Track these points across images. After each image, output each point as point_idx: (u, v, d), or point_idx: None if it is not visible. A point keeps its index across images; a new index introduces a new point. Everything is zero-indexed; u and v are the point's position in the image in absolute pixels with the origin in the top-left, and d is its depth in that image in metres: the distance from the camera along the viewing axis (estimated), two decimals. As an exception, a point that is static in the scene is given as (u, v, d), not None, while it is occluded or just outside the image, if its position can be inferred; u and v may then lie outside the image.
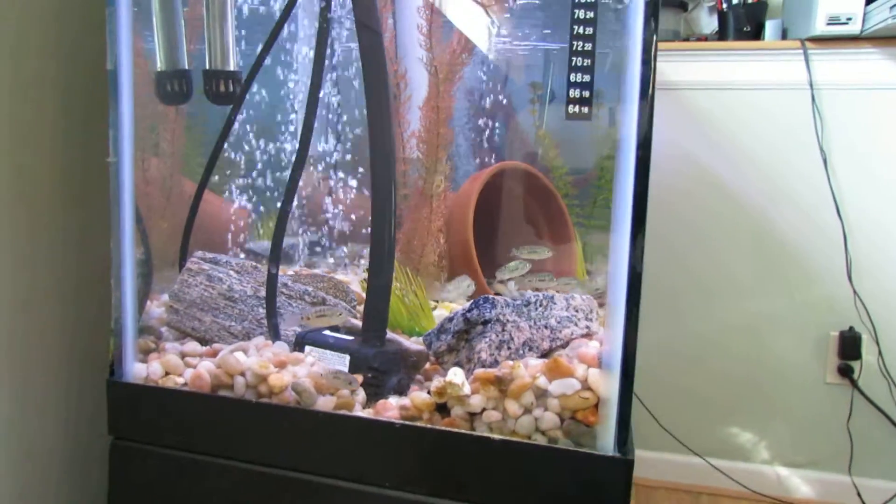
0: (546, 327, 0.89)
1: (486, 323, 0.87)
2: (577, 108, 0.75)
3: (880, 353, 2.19)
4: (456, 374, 0.82)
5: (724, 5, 2.18)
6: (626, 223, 0.76)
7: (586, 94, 0.74)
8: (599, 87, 0.75)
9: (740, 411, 2.38)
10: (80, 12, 1.10)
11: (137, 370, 0.96)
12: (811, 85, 2.29)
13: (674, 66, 2.31)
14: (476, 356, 0.85)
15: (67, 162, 1.10)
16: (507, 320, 0.87)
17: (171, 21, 1.04)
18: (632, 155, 0.74)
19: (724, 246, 2.37)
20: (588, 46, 0.72)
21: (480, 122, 1.66)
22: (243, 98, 1.04)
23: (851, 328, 2.22)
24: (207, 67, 1.04)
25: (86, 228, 1.14)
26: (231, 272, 1.01)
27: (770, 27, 2.19)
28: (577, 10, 0.71)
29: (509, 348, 0.86)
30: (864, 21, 1.97)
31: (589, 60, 0.72)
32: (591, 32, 0.72)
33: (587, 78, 0.72)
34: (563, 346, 0.89)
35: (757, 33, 2.22)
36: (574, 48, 0.72)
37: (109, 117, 0.95)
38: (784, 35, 2.24)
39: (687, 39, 2.30)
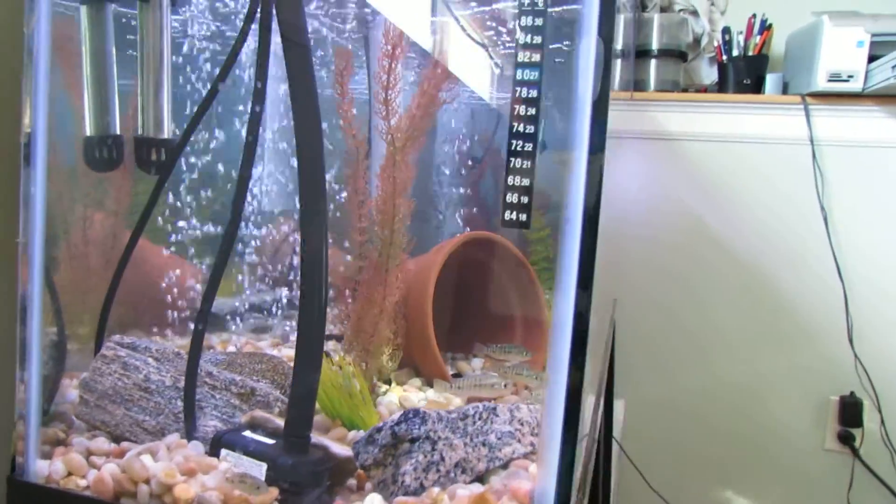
0: (484, 444, 0.79)
1: (413, 441, 0.77)
2: (514, 215, 0.66)
3: (882, 420, 2.08)
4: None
5: (725, 57, 2.10)
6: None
7: (525, 199, 0.66)
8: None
9: (735, 473, 2.27)
10: None
11: (40, 468, 0.87)
12: (812, 140, 2.19)
13: (671, 117, 2.22)
14: (400, 479, 0.76)
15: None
16: (439, 437, 0.78)
17: (102, 81, 0.97)
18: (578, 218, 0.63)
19: (719, 302, 2.27)
20: (528, 164, 0.64)
21: (450, 184, 1.58)
22: (172, 167, 0.96)
23: (852, 393, 2.11)
24: (139, 133, 0.97)
25: None
26: (149, 359, 0.92)
27: (771, 81, 2.11)
28: (516, 124, 0.63)
29: (438, 471, 0.76)
30: (866, 79, 1.88)
31: (528, 180, 0.64)
32: (530, 150, 0.63)
33: (526, 192, 0.64)
34: (504, 467, 0.80)
35: (757, 86, 2.13)
36: (511, 165, 0.63)
37: (21, 190, 0.87)
38: (785, 89, 2.15)
39: (686, 90, 2.22)
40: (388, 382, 1.15)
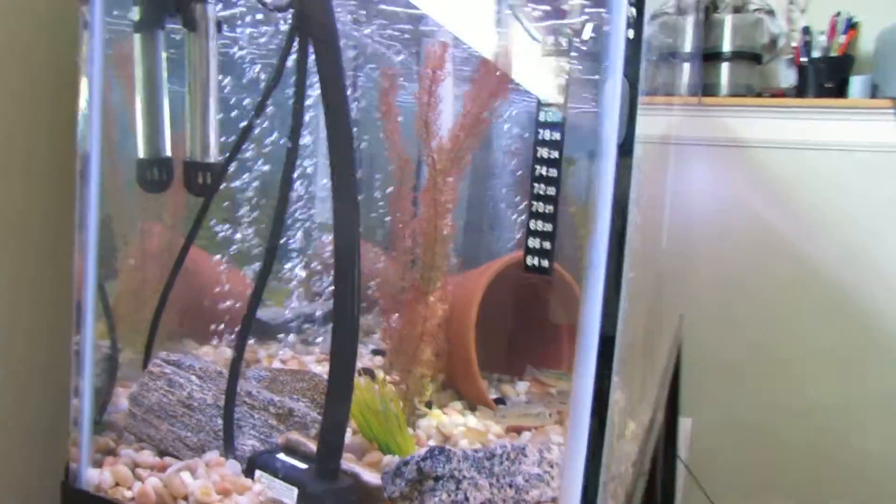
0: (510, 486, 0.78)
1: (437, 479, 0.76)
2: (535, 261, 0.64)
3: None
4: (395, 541, 0.73)
5: (805, 59, 1.97)
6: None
7: (547, 245, 0.63)
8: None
9: (830, 498, 2.14)
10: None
11: (91, 476, 0.92)
12: (904, 147, 2.03)
13: (745, 122, 2.11)
14: (424, 517, 0.75)
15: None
16: (464, 476, 0.76)
17: (153, 105, 1.00)
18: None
19: (800, 318, 2.14)
20: (549, 209, 0.61)
21: (506, 197, 1.55)
22: (216, 190, 0.99)
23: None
24: (188, 157, 1.00)
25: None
26: (193, 377, 0.95)
27: (857, 84, 1.96)
28: (538, 167, 0.61)
29: (462, 511, 0.75)
30: (969, 82, 1.72)
31: (550, 224, 0.61)
32: (553, 194, 0.61)
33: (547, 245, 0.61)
34: (530, 510, 0.78)
35: (840, 89, 1.99)
36: (533, 209, 0.61)
37: (76, 216, 0.92)
38: (874, 93, 2.00)
39: (760, 94, 2.10)
40: (429, 405, 1.14)
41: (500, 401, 1.21)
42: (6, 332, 1.02)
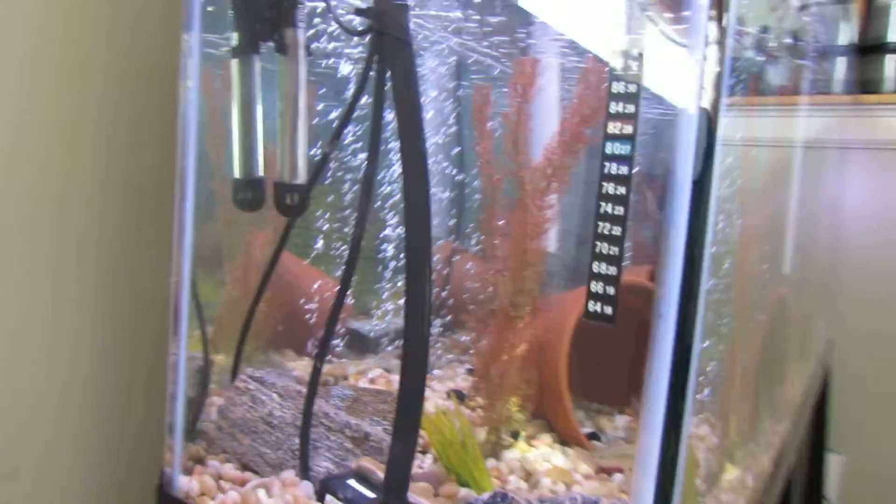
0: (576, 547, 0.71)
1: (496, 531, 0.71)
2: (598, 307, 0.56)
3: None
4: None
5: None
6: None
7: (611, 290, 0.56)
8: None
9: None
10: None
11: (182, 483, 0.97)
12: None
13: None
14: (481, 569, 0.70)
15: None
16: (525, 531, 0.71)
17: (249, 128, 1.03)
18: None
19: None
20: (615, 250, 0.54)
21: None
22: (303, 211, 1.00)
23: None
24: (279, 179, 1.02)
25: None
26: (274, 395, 0.97)
27: None
28: (603, 204, 0.53)
29: (521, 569, 0.69)
30: None
31: (615, 268, 0.54)
32: (618, 234, 0.53)
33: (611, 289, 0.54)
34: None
35: None
36: (597, 251, 0.54)
37: (174, 233, 0.97)
38: None
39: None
40: (515, 435, 1.09)
41: (595, 435, 1.13)
42: (112, 335, 1.10)
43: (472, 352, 1.40)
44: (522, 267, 1.04)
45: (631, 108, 0.53)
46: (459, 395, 1.20)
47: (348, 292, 0.94)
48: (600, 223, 0.55)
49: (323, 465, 0.94)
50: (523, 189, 0.99)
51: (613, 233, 0.55)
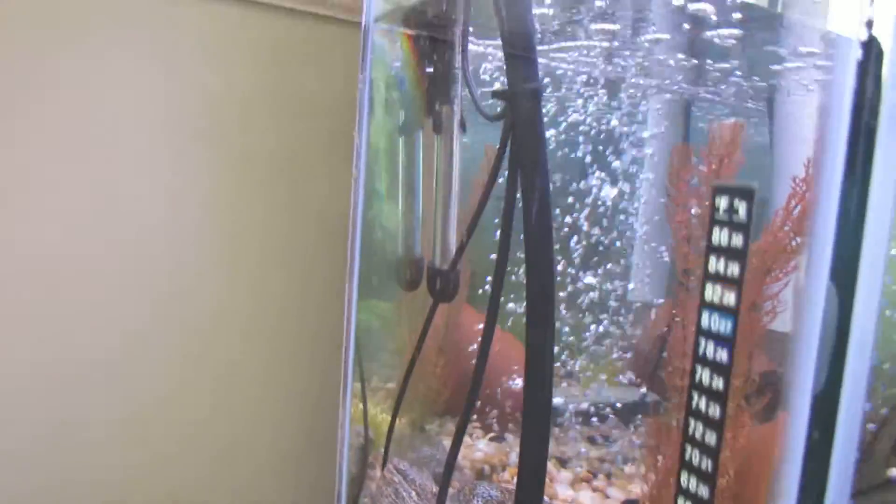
0: None
1: None
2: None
3: None
4: None
5: None
6: None
7: (703, 492, 0.39)
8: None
9: None
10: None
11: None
12: None
13: None
14: None
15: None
16: None
17: (411, 205, 1.02)
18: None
19: None
20: (713, 439, 0.37)
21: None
22: (453, 296, 0.94)
23: None
24: (430, 262, 0.98)
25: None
26: (413, 493, 0.92)
27: None
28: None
29: None
30: None
31: (711, 461, 0.37)
32: (717, 418, 0.36)
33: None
34: None
35: None
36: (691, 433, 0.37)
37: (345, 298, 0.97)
38: None
39: None
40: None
41: None
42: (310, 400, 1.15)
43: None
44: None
45: (735, 271, 0.36)
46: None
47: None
48: (693, 394, 0.39)
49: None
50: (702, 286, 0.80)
51: (710, 415, 0.38)
